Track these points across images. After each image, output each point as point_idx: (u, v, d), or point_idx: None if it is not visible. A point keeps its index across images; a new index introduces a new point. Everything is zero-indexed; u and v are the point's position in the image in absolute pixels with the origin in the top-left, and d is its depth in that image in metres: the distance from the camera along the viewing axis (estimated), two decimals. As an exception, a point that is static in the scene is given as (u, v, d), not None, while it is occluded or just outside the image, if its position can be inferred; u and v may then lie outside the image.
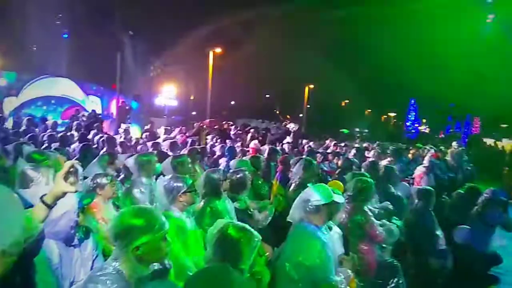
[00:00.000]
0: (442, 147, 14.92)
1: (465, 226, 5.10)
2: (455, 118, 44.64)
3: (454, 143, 15.00)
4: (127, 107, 15.65)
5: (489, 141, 24.87)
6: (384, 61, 44.22)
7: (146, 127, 12.10)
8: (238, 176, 3.71)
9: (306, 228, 2.66)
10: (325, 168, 7.75)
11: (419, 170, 7.38)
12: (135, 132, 12.06)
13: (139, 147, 7.52)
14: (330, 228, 2.71)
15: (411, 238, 4.50)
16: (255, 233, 2.02)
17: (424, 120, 49.70)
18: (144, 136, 10.20)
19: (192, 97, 35.96)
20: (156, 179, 3.85)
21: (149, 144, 7.46)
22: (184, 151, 5.83)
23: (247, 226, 2.05)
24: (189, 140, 8.65)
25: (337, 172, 6.99)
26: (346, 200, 3.68)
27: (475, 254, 4.96)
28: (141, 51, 23.40)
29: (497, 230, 5.18)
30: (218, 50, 22.77)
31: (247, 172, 3.82)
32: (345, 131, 35.03)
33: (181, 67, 28.01)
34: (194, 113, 31.84)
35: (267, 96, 49.51)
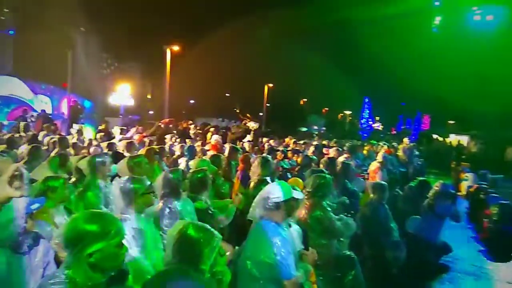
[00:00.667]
0: (394, 143, 15.62)
1: (417, 217, 5.37)
2: (406, 115, 46.90)
3: (405, 139, 15.77)
4: (79, 107, 14.98)
5: (438, 137, 26.38)
6: (340, 62, 45.57)
7: (100, 127, 11.65)
8: (198, 175, 3.66)
9: (266, 225, 2.68)
10: (285, 166, 7.84)
11: (373, 166, 7.65)
12: (89, 132, 11.59)
13: (92, 148, 7.22)
14: (289, 225, 2.74)
15: (367, 231, 4.66)
16: (216, 232, 2.00)
17: (377, 118, 51.78)
18: (98, 136, 9.81)
19: (149, 96, 35.08)
20: (111, 181, 3.72)
21: (104, 144, 7.18)
22: (142, 152, 5.67)
23: (207, 226, 2.03)
24: (147, 140, 8.44)
25: (296, 169, 7.12)
26: (306, 196, 3.75)
27: (427, 244, 5.24)
28: (94, 48, 22.44)
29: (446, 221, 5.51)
30: (176, 47, 22.36)
31: (207, 172, 3.78)
32: (304, 129, 35.76)
33: (137, 65, 27.23)
34: (151, 112, 31.07)
35: (227, 95, 49.41)
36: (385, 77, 40.68)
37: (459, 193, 10.30)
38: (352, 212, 4.65)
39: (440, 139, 25.98)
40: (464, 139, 26.07)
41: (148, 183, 2.89)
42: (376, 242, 4.65)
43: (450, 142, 24.49)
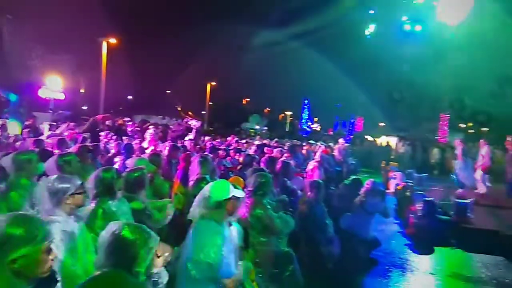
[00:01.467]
0: (330, 144, 16.33)
1: (349, 214, 5.66)
2: (342, 117, 49.24)
3: (340, 140, 16.54)
4: (3, 100, 13.66)
5: (370, 138, 28.06)
6: (281, 63, 46.64)
7: (27, 123, 10.73)
8: (135, 174, 3.52)
9: (207, 224, 2.65)
10: (227, 165, 7.84)
11: (312, 165, 7.91)
12: (14, 128, 10.64)
13: (17, 144, 6.62)
14: (230, 223, 2.74)
15: (304, 227, 4.81)
16: (152, 233, 1.93)
17: (316, 119, 53.80)
18: (24, 132, 9.04)
19: (82, 90, 33.04)
20: (38, 180, 3.43)
21: (30, 141, 6.62)
22: (73, 149, 5.32)
23: (143, 226, 1.95)
24: (80, 137, 7.93)
25: (238, 168, 7.15)
26: (247, 195, 3.78)
27: (359, 239, 5.55)
28: (22, 37, 20.59)
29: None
30: (113, 40, 21.31)
31: (145, 170, 3.65)
32: (249, 125, 35.99)
33: (69, 57, 25.46)
34: (85, 107, 29.32)
35: (168, 92, 48.17)
36: (323, 80, 42.42)
37: (388, 191, 11.04)
38: (292, 210, 4.77)
39: (372, 140, 27.64)
40: (393, 140, 28.05)
41: (79, 182, 2.71)
42: (312, 239, 4.82)
43: (381, 143, 26.18)
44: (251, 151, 9.27)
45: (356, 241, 5.63)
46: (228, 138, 12.91)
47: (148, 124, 13.14)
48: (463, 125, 40.65)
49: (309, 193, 5.13)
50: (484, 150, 10.35)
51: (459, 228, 6.97)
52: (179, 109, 41.86)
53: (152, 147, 7.61)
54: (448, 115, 29.49)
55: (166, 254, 2.19)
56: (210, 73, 39.91)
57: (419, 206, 7.35)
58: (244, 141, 13.37)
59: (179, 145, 7.20)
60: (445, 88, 29.69)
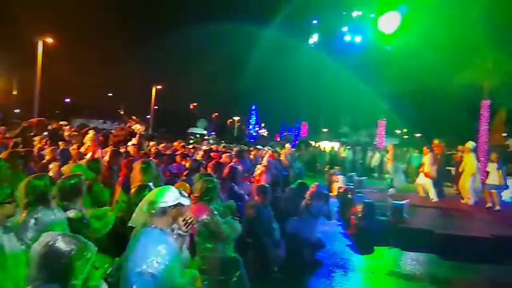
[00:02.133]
0: (277, 149, 16.63)
1: (295, 218, 5.78)
2: (288, 123, 50.47)
3: (287, 145, 16.91)
4: None
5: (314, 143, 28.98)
6: (229, 69, 46.78)
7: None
8: (71, 181, 3.30)
9: (150, 233, 2.55)
10: (173, 170, 7.67)
11: (259, 169, 7.99)
12: None
13: None
14: (173, 230, 2.65)
15: (251, 232, 4.82)
16: (90, 244, 1.81)
17: (263, 124, 54.61)
18: None
19: (15, 92, 30.59)
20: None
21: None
22: (3, 155, 4.89)
23: (79, 237, 1.82)
24: (11, 142, 7.32)
25: (185, 173, 7.00)
26: (193, 201, 3.71)
27: (304, 242, 5.68)
28: None
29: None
30: (50, 40, 20.00)
31: (82, 177, 3.44)
32: (196, 130, 35.54)
33: (0, 57, 23.50)
34: (17, 110, 27.17)
35: (110, 94, 46.17)
36: (270, 86, 43.23)
37: (331, 194, 11.47)
38: (239, 215, 4.77)
39: (316, 145, 28.58)
40: (336, 145, 29.27)
41: (9, 190, 2.48)
42: (259, 243, 4.84)
43: (324, 148, 27.17)
44: (198, 156, 9.13)
45: (301, 244, 5.76)
46: (175, 143, 12.63)
47: (88, 128, 12.44)
48: (398, 131, 43.49)
49: (256, 198, 5.16)
50: (427, 157, 10.97)
51: (396, 228, 7.40)
52: (122, 112, 40.23)
53: (91, 153, 7.22)
54: (385, 121, 31.35)
55: (106, 265, 2.07)
56: (156, 76, 38.96)
57: (359, 207, 7.70)
58: (191, 146, 13.16)
59: (121, 150, 6.91)
60: (382, 95, 31.57)
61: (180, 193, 2.66)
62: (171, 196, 2.55)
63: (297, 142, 31.45)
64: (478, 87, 23.00)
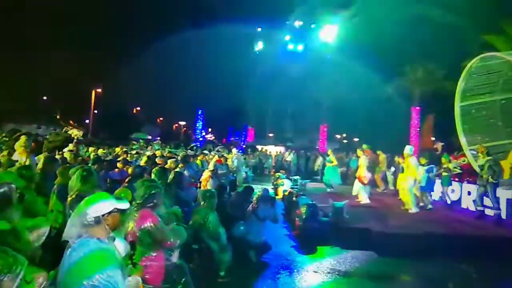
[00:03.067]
0: (224, 153, 16.64)
1: (242, 222, 5.83)
2: (235, 128, 50.54)
3: (234, 150, 16.99)
4: None
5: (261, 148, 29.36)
6: (175, 73, 45.92)
7: None
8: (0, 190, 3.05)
9: (86, 243, 2.41)
10: (115, 177, 7.37)
11: (206, 174, 7.96)
12: None
13: None
14: (114, 239, 2.54)
15: (198, 238, 4.78)
16: (19, 257, 1.69)
17: (210, 129, 54.19)
18: None
19: None
20: None
21: None
22: None
23: (7, 249, 1.70)
24: None
25: (127, 180, 6.75)
26: (135, 208, 3.59)
27: (250, 245, 5.74)
28: None
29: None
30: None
31: (13, 185, 3.19)
32: (140, 135, 34.28)
33: None
34: None
35: (45, 98, 43.11)
36: (217, 91, 43.11)
37: (277, 197, 11.71)
38: (184, 221, 4.70)
39: (262, 149, 29.00)
40: (281, 150, 29.90)
41: None
42: (206, 248, 4.82)
43: (270, 152, 27.65)
44: (141, 162, 8.86)
45: (248, 247, 5.81)
46: (116, 149, 12.13)
47: (19, 133, 11.54)
48: (338, 136, 45.47)
49: (202, 203, 5.12)
50: (362, 159, 11.55)
51: (337, 228, 7.73)
52: (58, 117, 37.78)
53: (23, 160, 6.72)
54: (326, 127, 32.72)
55: (40, 279, 1.95)
56: (95, 79, 37.04)
57: (303, 209, 7.94)
58: (134, 151, 12.73)
59: (56, 157, 6.52)
60: (324, 101, 32.92)
61: (116, 198, 2.55)
62: (104, 203, 2.43)
63: (244, 146, 31.69)
64: (409, 94, 24.86)
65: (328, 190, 12.99)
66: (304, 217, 7.75)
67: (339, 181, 13.68)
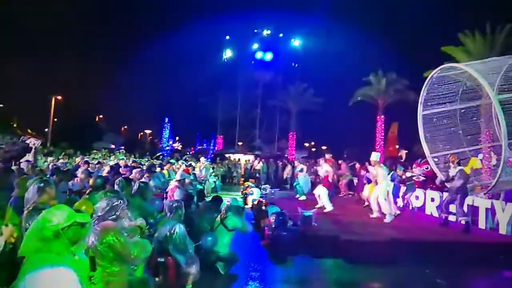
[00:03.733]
0: (192, 162, 16.37)
1: (210, 232, 5.68)
2: (203, 136, 50.06)
3: (202, 158, 16.77)
4: None
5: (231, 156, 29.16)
6: (142, 80, 45.11)
7: None
8: None
9: (44, 259, 2.24)
10: (75, 188, 7.02)
11: (172, 184, 7.75)
12: None
13: None
14: (73, 254, 2.37)
15: (163, 250, 4.59)
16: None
17: (177, 138, 53.33)
18: None
19: None
20: None
21: None
22: None
23: None
24: None
25: (88, 191, 6.44)
26: (96, 221, 3.40)
27: (219, 257, 5.59)
28: None
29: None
30: None
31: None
32: (103, 144, 33.12)
33: None
34: None
35: (1, 106, 40.94)
36: (184, 99, 42.60)
37: (246, 206, 11.61)
38: (150, 233, 4.50)
39: (232, 158, 28.82)
40: (250, 158, 29.87)
41: None
42: (172, 261, 4.63)
43: (239, 160, 27.55)
44: (103, 172, 8.52)
45: (216, 259, 5.66)
46: (77, 159, 11.62)
47: (-30, 143, 10.84)
48: (307, 144, 46.12)
49: (168, 214, 4.94)
50: (324, 168, 11.70)
51: (306, 236, 7.72)
52: (15, 125, 35.95)
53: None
54: (295, 135, 33.12)
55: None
56: (55, 86, 35.61)
57: (272, 218, 7.88)
58: (96, 161, 12.25)
59: (13, 167, 6.13)
60: (292, 110, 33.36)
61: (76, 210, 2.41)
62: (63, 216, 2.28)
63: (212, 155, 31.35)
64: (374, 104, 25.70)
65: (301, 198, 13.04)
66: (273, 226, 7.68)
67: (309, 189, 13.82)
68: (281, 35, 38.34)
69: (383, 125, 24.41)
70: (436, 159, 10.75)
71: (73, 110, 39.85)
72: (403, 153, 20.90)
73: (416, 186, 11.64)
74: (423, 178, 11.49)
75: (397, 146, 22.69)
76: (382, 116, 24.91)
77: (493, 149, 10.81)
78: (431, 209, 10.72)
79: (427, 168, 11.45)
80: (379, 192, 9.74)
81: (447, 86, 10.31)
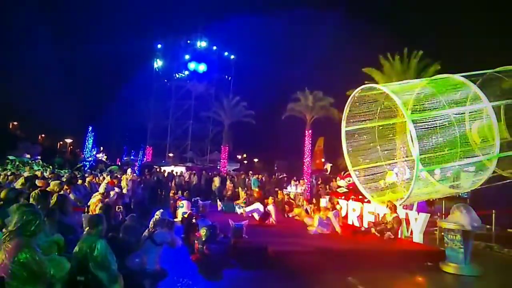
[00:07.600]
0: (117, 174, 15.57)
1: (136, 252, 5.42)
2: (130, 146, 47.87)
3: (129, 170, 16.03)
4: None
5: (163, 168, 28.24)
6: (63, 85, 42.13)
7: None
8: None
9: None
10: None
11: (95, 198, 7.31)
12: None
13: None
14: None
15: (83, 268, 4.28)
16: None
17: (102, 148, 50.29)
18: None
19: None
20: None
21: None
22: None
23: None
24: None
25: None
26: (8, 237, 3.11)
27: (145, 273, 5.36)
28: None
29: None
30: None
31: None
32: (12, 157, 29.96)
33: None
34: None
35: None
36: (110, 107, 40.54)
37: (176, 220, 11.30)
38: (69, 250, 4.19)
39: (161, 170, 27.96)
40: (182, 170, 29.24)
41: None
42: (93, 280, 4.33)
43: (171, 171, 26.81)
44: (17, 184, 7.76)
45: (143, 276, 5.41)
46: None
47: None
48: (239, 156, 46.49)
49: (89, 229, 4.62)
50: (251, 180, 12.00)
51: (237, 248, 7.74)
52: None
53: None
54: (227, 147, 33.21)
55: None
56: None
57: (202, 231, 7.78)
58: (9, 172, 11.12)
59: None
60: (225, 122, 33.48)
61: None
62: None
63: (140, 167, 30.02)
64: (303, 119, 26.93)
65: (239, 211, 13.09)
66: (203, 239, 7.58)
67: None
68: (215, 48, 38.63)
69: (310, 139, 25.62)
70: (357, 172, 11.53)
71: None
72: (328, 166, 22.09)
73: (340, 197, 12.35)
74: (346, 190, 12.25)
75: (323, 160, 23.88)
76: (310, 131, 26.18)
77: (407, 164, 11.90)
78: (352, 218, 11.43)
79: (349, 181, 12.22)
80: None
81: (367, 105, 11.18)
